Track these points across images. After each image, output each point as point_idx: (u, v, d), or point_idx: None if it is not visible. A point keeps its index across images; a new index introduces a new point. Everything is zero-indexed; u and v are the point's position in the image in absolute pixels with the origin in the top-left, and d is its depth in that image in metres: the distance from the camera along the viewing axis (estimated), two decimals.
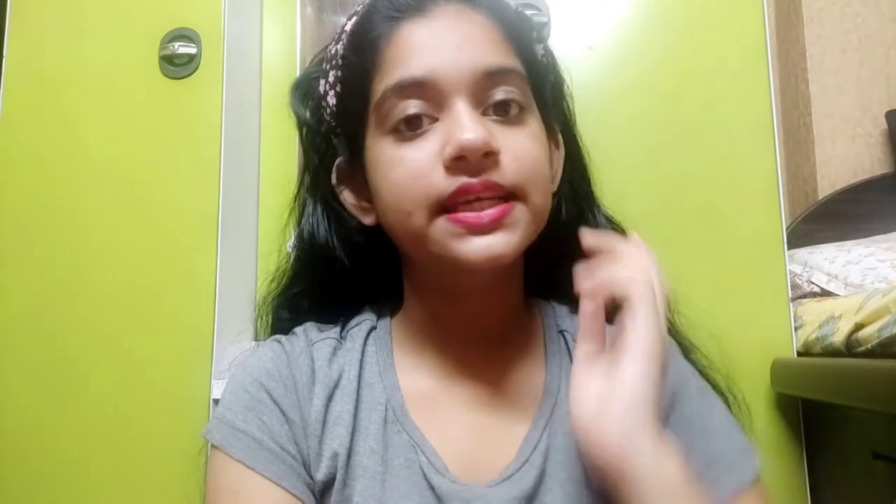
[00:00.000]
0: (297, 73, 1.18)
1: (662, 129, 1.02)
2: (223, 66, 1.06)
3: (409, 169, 0.49)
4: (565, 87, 0.63)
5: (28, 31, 1.15)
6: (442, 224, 0.49)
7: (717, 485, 0.50)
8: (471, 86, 0.49)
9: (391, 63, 0.51)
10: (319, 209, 0.61)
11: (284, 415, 0.53)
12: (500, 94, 0.50)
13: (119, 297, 1.03)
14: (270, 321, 0.64)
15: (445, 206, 0.49)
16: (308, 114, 0.60)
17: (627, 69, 1.04)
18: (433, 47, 0.50)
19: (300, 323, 0.61)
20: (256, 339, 0.65)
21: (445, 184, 0.48)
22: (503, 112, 0.51)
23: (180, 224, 1.04)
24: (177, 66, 1.07)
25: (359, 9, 0.56)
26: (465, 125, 0.48)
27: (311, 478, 0.53)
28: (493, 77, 0.50)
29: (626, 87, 1.03)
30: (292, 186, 0.65)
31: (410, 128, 0.50)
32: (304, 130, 0.62)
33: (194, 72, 1.06)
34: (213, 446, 0.53)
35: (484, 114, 0.50)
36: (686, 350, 0.62)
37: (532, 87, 0.54)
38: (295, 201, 0.64)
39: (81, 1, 1.14)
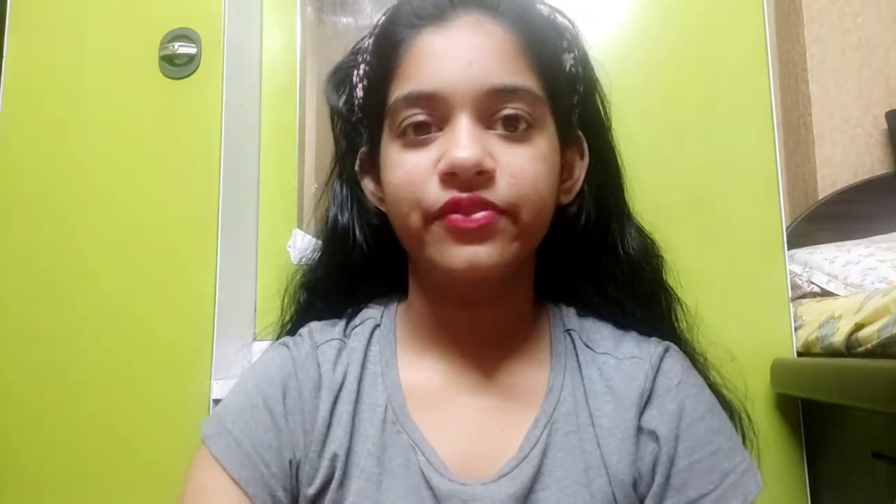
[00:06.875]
0: (298, 73, 1.19)
1: (662, 129, 1.02)
2: (223, 66, 1.06)
3: (406, 173, 0.51)
4: (598, 93, 0.62)
5: (28, 30, 1.15)
6: (437, 228, 0.50)
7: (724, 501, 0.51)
8: (476, 102, 0.50)
9: (406, 72, 0.52)
10: (345, 192, 0.62)
11: (275, 422, 0.53)
12: (507, 111, 0.51)
13: (119, 298, 1.03)
14: (294, 299, 0.65)
15: (437, 216, 0.50)
16: (341, 102, 0.62)
17: (627, 69, 1.04)
18: (445, 60, 0.50)
19: (315, 306, 0.62)
20: (283, 314, 0.66)
21: (437, 195, 0.49)
22: (511, 128, 0.51)
23: (180, 224, 1.04)
24: (177, 66, 1.07)
25: (390, 7, 0.57)
26: (461, 143, 0.48)
27: (286, 489, 0.52)
28: (500, 95, 0.50)
29: (626, 87, 1.02)
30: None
31: (418, 134, 0.51)
32: (336, 118, 0.63)
33: (194, 72, 1.06)
34: (201, 439, 0.54)
35: (491, 127, 0.51)
36: (700, 368, 0.61)
37: (551, 99, 0.54)
38: (326, 185, 0.65)
39: (81, 1, 1.14)
